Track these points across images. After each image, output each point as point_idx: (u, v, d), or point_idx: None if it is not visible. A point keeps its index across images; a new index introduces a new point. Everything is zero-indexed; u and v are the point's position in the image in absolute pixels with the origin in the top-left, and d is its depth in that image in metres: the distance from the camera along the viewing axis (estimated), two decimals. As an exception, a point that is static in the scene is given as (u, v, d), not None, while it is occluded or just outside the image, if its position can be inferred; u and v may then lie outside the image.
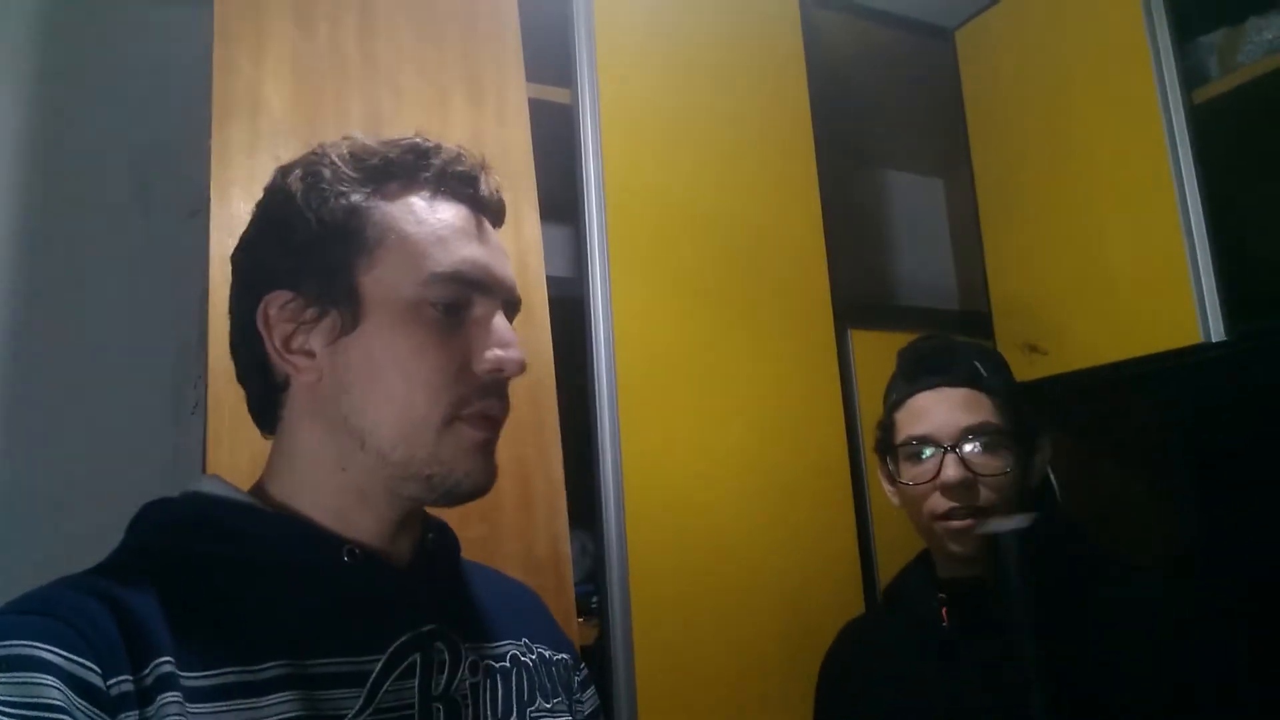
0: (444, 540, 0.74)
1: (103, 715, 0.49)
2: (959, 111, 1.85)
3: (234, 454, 0.98)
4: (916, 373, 1.11)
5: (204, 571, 0.60)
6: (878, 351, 1.56)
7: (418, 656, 0.62)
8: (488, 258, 0.66)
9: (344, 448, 0.64)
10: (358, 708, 0.58)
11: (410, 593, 0.66)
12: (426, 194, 0.66)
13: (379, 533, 0.66)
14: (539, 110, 1.32)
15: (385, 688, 0.60)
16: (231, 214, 1.05)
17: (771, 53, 1.59)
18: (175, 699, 0.52)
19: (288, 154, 1.12)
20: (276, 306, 0.65)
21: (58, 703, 0.48)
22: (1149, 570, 1.10)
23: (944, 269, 2.13)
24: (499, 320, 0.66)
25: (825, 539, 1.41)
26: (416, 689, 0.61)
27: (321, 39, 1.18)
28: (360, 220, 0.64)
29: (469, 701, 0.64)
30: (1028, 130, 1.72)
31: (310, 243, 0.64)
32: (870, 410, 1.50)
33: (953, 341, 1.16)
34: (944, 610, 1.04)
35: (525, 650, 0.72)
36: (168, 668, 0.53)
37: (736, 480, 1.36)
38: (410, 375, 0.62)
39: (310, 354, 0.65)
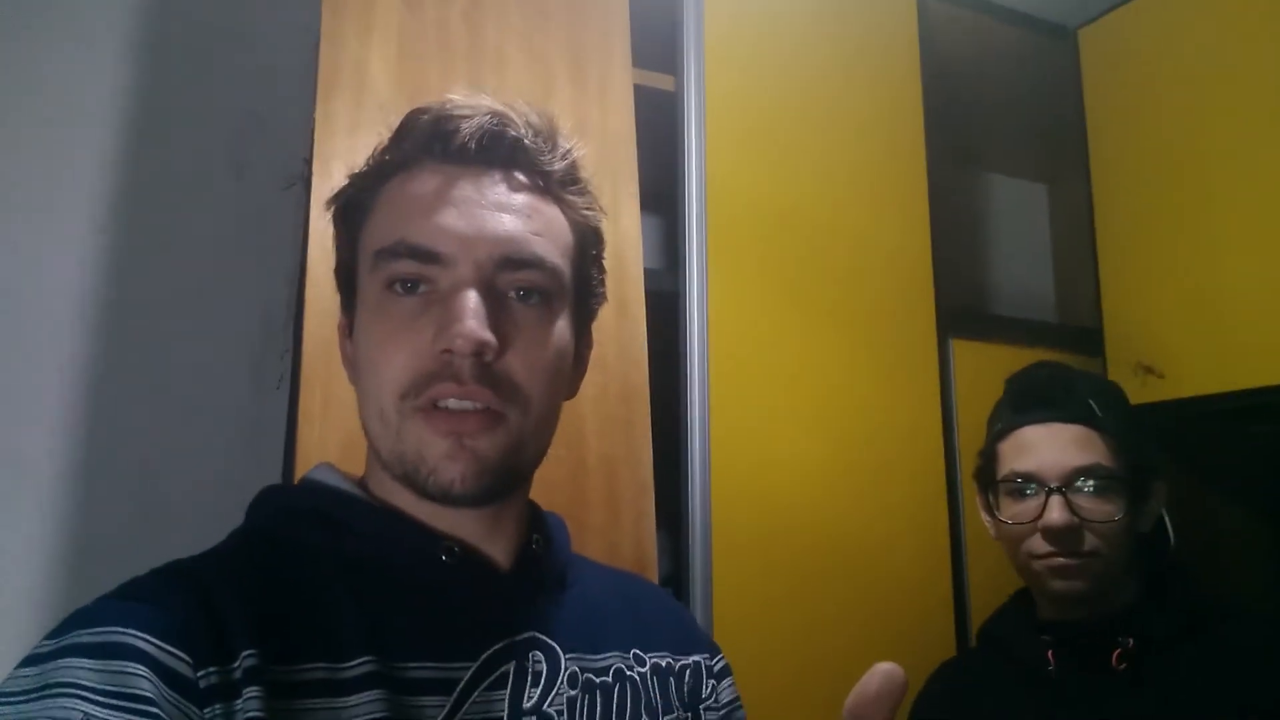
0: (552, 540, 0.69)
1: (191, 706, 0.48)
2: (1077, 115, 1.75)
3: (324, 434, 0.96)
4: (1026, 403, 1.04)
5: (304, 561, 0.58)
6: (978, 362, 1.49)
7: (511, 666, 0.59)
8: (455, 220, 0.58)
9: (371, 450, 0.62)
10: (443, 716, 0.55)
11: (509, 597, 0.62)
12: (420, 167, 0.61)
13: (470, 532, 0.62)
14: (642, 96, 1.28)
15: (473, 698, 0.56)
16: (332, 189, 1.02)
17: (885, 47, 1.52)
18: (259, 693, 0.50)
19: (390, 131, 1.11)
20: (338, 320, 0.67)
21: (147, 693, 0.46)
22: (1259, 616, 1.02)
23: (1046, 280, 2.03)
24: (464, 293, 0.57)
25: (918, 554, 1.35)
26: (507, 701, 0.57)
27: (429, 16, 1.15)
28: (357, 215, 0.63)
29: (564, 718, 0.60)
30: (1152, 138, 1.62)
31: (336, 249, 0.65)
32: (968, 423, 1.44)
33: (1068, 372, 1.08)
34: (1049, 653, 0.97)
35: (635, 662, 0.67)
36: (253, 660, 0.51)
37: (827, 489, 1.31)
38: (377, 366, 0.59)
39: (347, 362, 0.65)
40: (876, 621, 1.29)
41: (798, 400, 1.32)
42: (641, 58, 1.30)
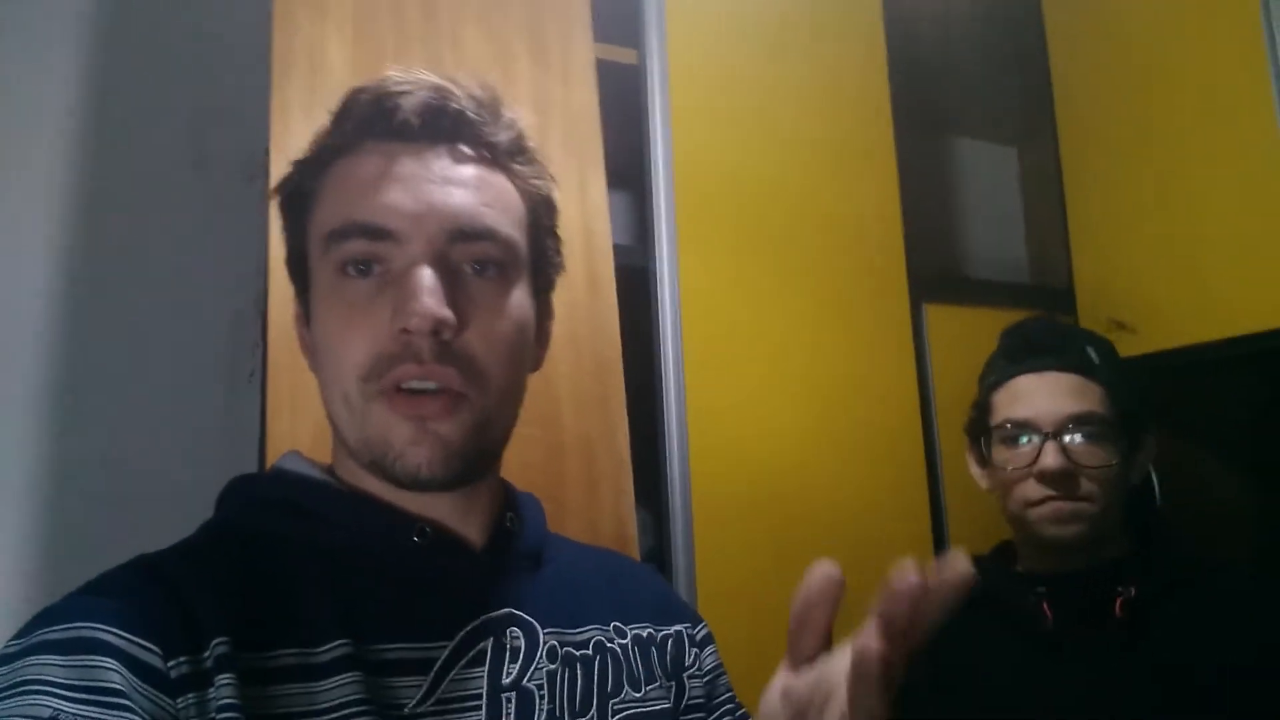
0: (526, 518, 0.69)
1: (163, 697, 0.48)
2: (1042, 74, 1.75)
3: (294, 425, 0.95)
4: (1022, 353, 1.05)
5: (276, 550, 0.58)
6: (952, 327, 1.50)
7: (489, 643, 0.58)
8: (402, 197, 0.57)
9: (337, 437, 0.62)
10: (419, 696, 0.55)
11: (484, 576, 0.62)
12: (362, 147, 0.60)
13: (443, 513, 0.62)
14: (605, 71, 1.26)
15: (450, 676, 0.56)
16: (290, 177, 1.01)
17: (849, 12, 1.51)
18: (231, 680, 0.50)
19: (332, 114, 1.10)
20: (294, 310, 0.66)
21: (117, 686, 0.46)
22: (1240, 567, 1.03)
23: (1017, 242, 2.04)
24: (417, 270, 0.56)
25: (897, 519, 1.36)
26: (485, 678, 0.57)
27: (383, -6, 1.13)
28: (303, 201, 0.62)
29: (544, 691, 0.59)
30: (1117, 93, 1.62)
31: (285, 237, 0.65)
32: (944, 387, 1.44)
33: (1062, 324, 1.10)
34: (1045, 605, 0.98)
35: (616, 634, 0.67)
36: (225, 648, 0.50)
37: (805, 458, 1.31)
38: (336, 351, 0.58)
39: (306, 349, 0.65)
40: (858, 589, 1.29)
41: (773, 371, 1.32)
42: (603, 32, 1.28)
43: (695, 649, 0.72)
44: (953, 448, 1.42)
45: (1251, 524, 1.69)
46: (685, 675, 0.70)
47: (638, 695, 0.65)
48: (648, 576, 0.78)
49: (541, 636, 0.61)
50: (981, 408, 1.08)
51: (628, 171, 1.32)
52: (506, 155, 0.63)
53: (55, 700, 0.44)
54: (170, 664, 0.49)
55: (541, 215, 0.66)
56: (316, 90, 1.06)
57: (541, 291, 0.67)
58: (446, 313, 0.55)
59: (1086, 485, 0.97)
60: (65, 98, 1.28)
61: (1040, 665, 0.96)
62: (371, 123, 0.60)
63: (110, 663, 0.47)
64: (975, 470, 1.11)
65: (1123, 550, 1.01)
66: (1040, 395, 1.01)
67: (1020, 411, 1.01)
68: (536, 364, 0.67)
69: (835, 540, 1.30)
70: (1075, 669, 0.93)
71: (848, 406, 1.35)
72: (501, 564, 0.64)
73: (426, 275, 0.56)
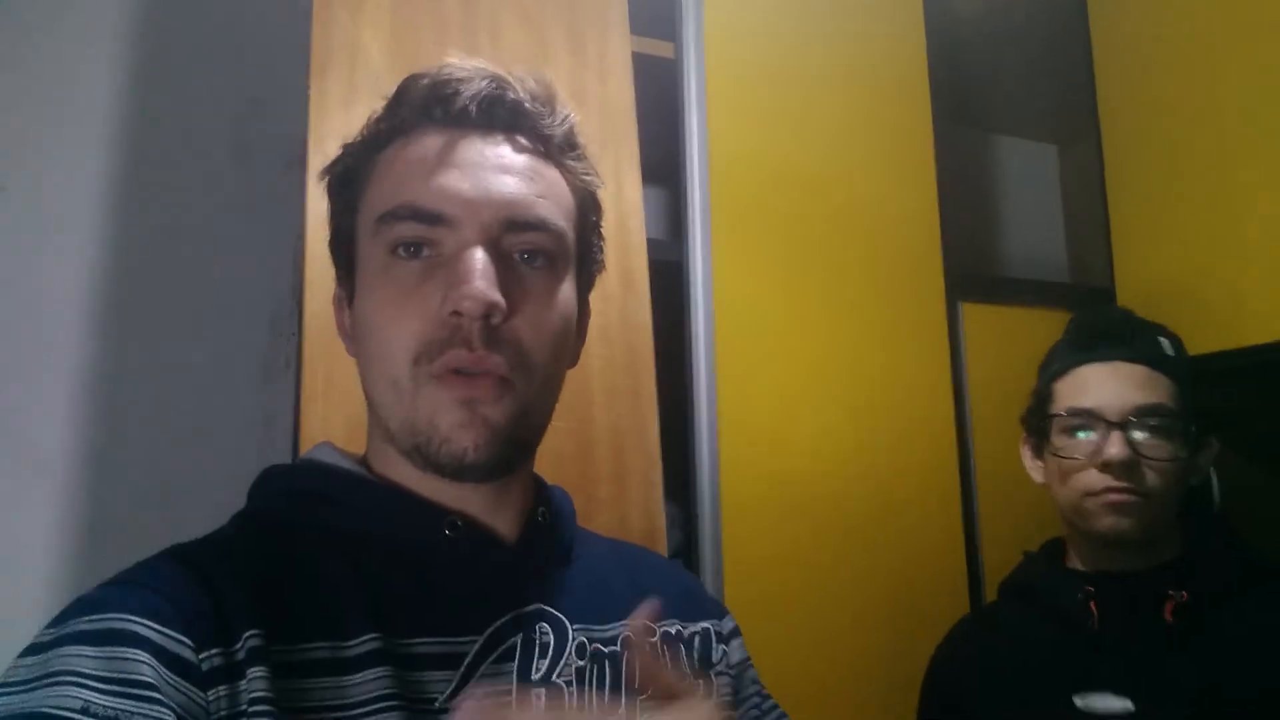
0: (556, 513, 0.68)
1: (194, 690, 0.48)
2: (1086, 74, 1.72)
3: (328, 415, 0.95)
4: (1091, 342, 1.02)
5: (307, 542, 0.58)
6: (989, 325, 1.48)
7: (518, 638, 0.58)
8: (458, 182, 0.57)
9: (376, 421, 0.61)
10: (450, 690, 0.54)
11: (515, 570, 0.62)
12: (419, 132, 0.60)
13: (476, 506, 0.61)
14: (641, 65, 1.26)
15: (481, 671, 0.56)
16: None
17: (889, 7, 1.49)
18: (263, 674, 0.49)
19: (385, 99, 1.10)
20: (334, 291, 0.66)
21: (148, 679, 0.46)
22: None
23: (1056, 241, 2.00)
24: (470, 253, 0.56)
25: (930, 521, 1.34)
26: (515, 673, 0.57)
27: (421, -14, 1.13)
28: (354, 184, 0.62)
29: (573, 688, 0.59)
30: (1164, 94, 1.58)
31: (330, 220, 0.65)
32: (979, 386, 1.43)
33: (1132, 315, 1.07)
34: (1092, 605, 0.96)
35: (643, 631, 0.67)
36: (257, 641, 0.50)
37: (836, 456, 1.30)
38: (384, 332, 0.58)
39: (345, 332, 0.64)
40: (889, 589, 1.28)
41: (805, 367, 1.31)
42: (640, 25, 1.28)
43: (722, 644, 0.72)
44: (987, 447, 1.40)
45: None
46: (713, 672, 0.69)
47: None
48: (675, 572, 0.78)
49: (571, 632, 0.61)
50: (1042, 396, 1.05)
51: (663, 166, 1.31)
52: (559, 149, 0.63)
53: (86, 692, 0.44)
54: (202, 656, 0.49)
55: (589, 211, 0.66)
56: (355, 82, 1.07)
57: (584, 288, 0.67)
58: (498, 297, 0.55)
59: (1150, 478, 0.95)
60: (107, 88, 1.30)
61: (1082, 664, 0.94)
62: (429, 108, 0.60)
63: (142, 655, 0.47)
64: (1029, 462, 1.08)
65: (1176, 552, 0.99)
66: (1108, 385, 0.98)
67: (1086, 400, 0.99)
68: (574, 359, 0.67)
69: (865, 540, 1.29)
70: (1118, 671, 0.91)
71: (881, 404, 1.34)
72: (532, 558, 0.63)
73: (480, 258, 0.56)
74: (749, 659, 0.73)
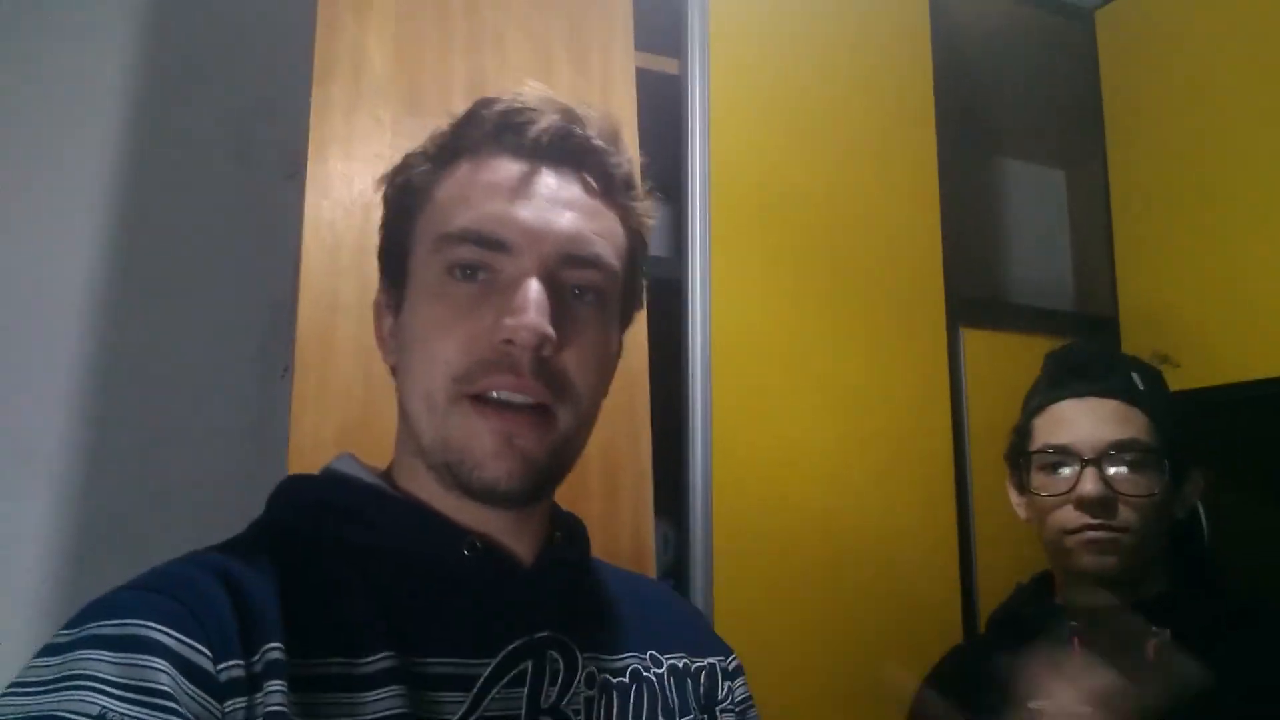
0: (573, 539, 0.68)
1: (210, 701, 0.47)
2: (1093, 99, 1.71)
3: (319, 421, 0.95)
4: (1065, 378, 1.02)
5: (325, 555, 0.58)
6: (990, 352, 1.47)
7: (529, 664, 0.58)
8: (522, 212, 0.58)
9: (409, 434, 0.61)
10: (462, 712, 0.54)
11: (530, 595, 0.61)
12: (488, 156, 0.61)
13: (497, 528, 0.61)
14: (644, 80, 1.26)
15: (492, 694, 0.56)
16: (328, 174, 1.02)
17: (895, 27, 1.49)
18: (280, 688, 0.49)
19: (387, 115, 1.10)
20: (375, 297, 0.66)
21: (165, 688, 0.46)
22: None
23: (1062, 268, 1.99)
24: (527, 283, 0.57)
25: (925, 546, 1.33)
26: (525, 699, 0.57)
27: (427, -3, 1.13)
28: (415, 197, 0.63)
29: (581, 717, 0.59)
30: (1171, 121, 1.58)
31: (384, 228, 0.65)
32: (979, 413, 1.41)
33: (1108, 350, 1.07)
34: (1075, 640, 0.95)
35: (651, 663, 0.67)
36: (276, 654, 0.50)
37: (832, 480, 1.29)
38: (427, 349, 0.58)
39: (384, 341, 0.65)
40: (882, 616, 1.27)
41: (802, 390, 1.29)
42: (645, 40, 1.28)
43: (727, 681, 0.72)
44: (985, 478, 1.39)
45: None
46: (718, 708, 0.70)
47: None
48: (683, 606, 0.79)
49: (581, 661, 0.61)
50: (1022, 433, 1.05)
51: (664, 183, 1.30)
52: (620, 189, 0.64)
53: (104, 698, 0.44)
54: (220, 667, 0.48)
55: (639, 252, 0.67)
56: (358, 89, 1.07)
57: (623, 326, 0.68)
58: (550, 330, 0.56)
59: (1125, 514, 0.95)
60: (111, 90, 1.30)
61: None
62: (500, 134, 0.61)
63: (160, 663, 0.46)
64: (1014, 498, 1.08)
65: (1162, 588, 0.98)
66: (1081, 421, 0.98)
67: (1060, 437, 0.99)
68: (607, 392, 0.68)
69: (859, 566, 1.28)
70: None
71: (878, 429, 1.33)
72: (547, 584, 0.63)
73: (535, 289, 0.57)
74: (751, 698, 0.74)
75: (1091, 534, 0.95)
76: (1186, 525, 1.02)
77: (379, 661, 0.53)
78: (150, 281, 1.28)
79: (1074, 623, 0.96)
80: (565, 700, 0.58)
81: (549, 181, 0.60)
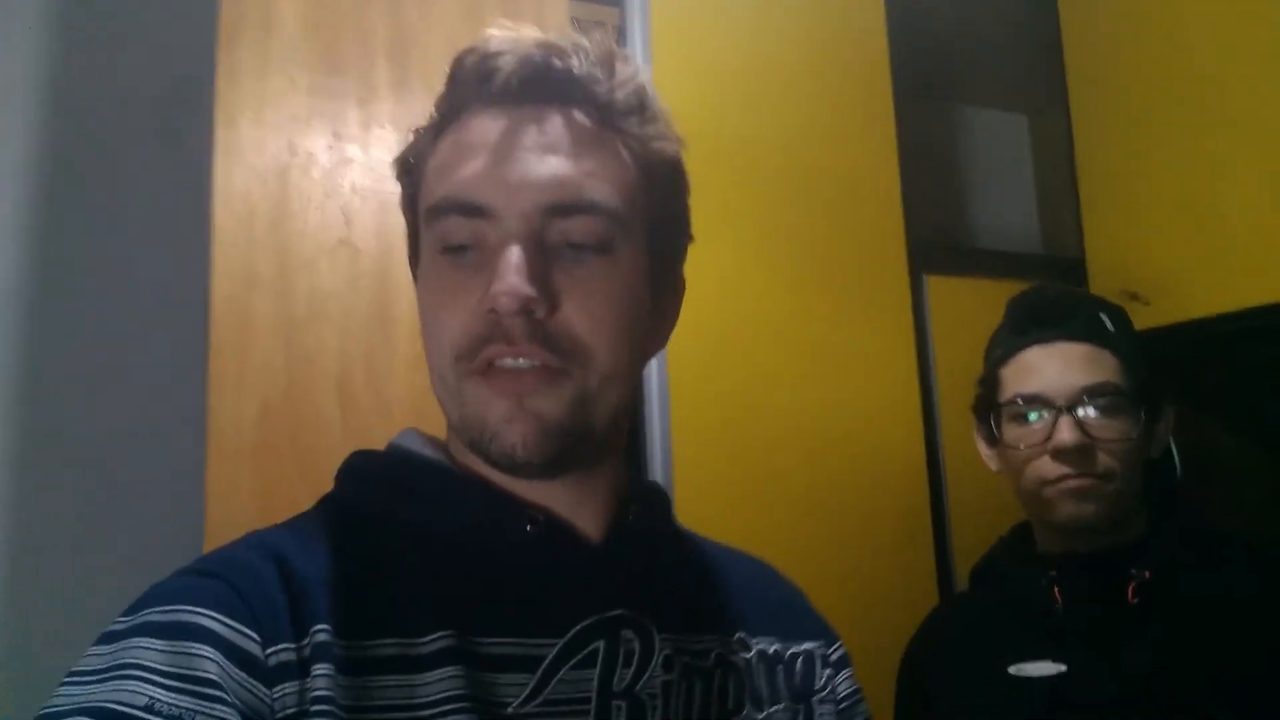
0: (651, 511, 0.63)
1: (259, 687, 0.46)
2: (1054, 39, 1.67)
3: (239, 404, 0.89)
4: (1029, 324, 0.98)
5: (384, 532, 0.55)
6: (955, 299, 1.44)
7: (601, 644, 0.54)
8: (499, 169, 0.54)
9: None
10: (524, 695, 0.51)
11: (600, 571, 0.57)
12: (468, 116, 0.56)
13: (559, 502, 0.57)
14: (581, 30, 1.20)
15: (559, 677, 0.52)
16: (239, 140, 0.95)
17: (842, -33, 1.43)
18: (327, 671, 0.47)
19: (303, 77, 1.04)
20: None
21: (212, 676, 0.45)
22: (1264, 551, 0.96)
23: (1026, 211, 1.96)
24: (508, 249, 0.53)
25: (895, 499, 1.29)
26: (595, 681, 0.53)
27: (341, -51, 1.07)
28: (413, 174, 0.60)
29: (657, 702, 0.54)
30: (1134, 58, 1.54)
31: (402, 208, 0.62)
32: (946, 362, 1.38)
33: (1071, 291, 1.03)
34: (1055, 589, 0.91)
35: (738, 647, 0.61)
36: (324, 636, 0.48)
37: (796, 434, 1.25)
38: (432, 330, 0.56)
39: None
40: (852, 571, 1.23)
41: (762, 340, 1.25)
42: (580, -11, 1.22)
43: (829, 670, 0.66)
44: (955, 428, 1.36)
45: (1273, 501, 1.61)
46: (815, 699, 0.64)
47: (760, 716, 0.60)
48: (782, 587, 0.72)
49: (658, 642, 0.56)
50: (989, 384, 1.01)
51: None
52: (621, 115, 0.57)
53: (152, 688, 0.44)
54: (269, 651, 0.47)
55: (661, 179, 0.60)
56: (268, 50, 1.00)
57: (663, 264, 0.61)
58: (530, 291, 0.51)
59: (1105, 460, 0.91)
60: (25, 72, 1.23)
61: (1045, 650, 0.89)
62: (474, 88, 0.56)
63: (208, 650, 0.46)
64: (984, 451, 1.04)
65: (1141, 531, 0.95)
66: (1051, 367, 0.94)
67: (1030, 385, 0.95)
68: (658, 342, 0.63)
69: (827, 520, 1.24)
70: (1080, 655, 0.87)
71: (842, 380, 1.29)
72: (619, 560, 0.58)
73: (514, 254, 0.52)
74: (860, 693, 0.67)
75: (1071, 483, 0.91)
76: (1159, 462, 0.99)
77: (436, 641, 0.50)
78: (81, 273, 1.22)
79: (1053, 572, 0.92)
80: (640, 684, 0.54)
81: (527, 128, 0.55)
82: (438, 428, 0.61)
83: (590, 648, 0.54)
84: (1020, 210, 1.93)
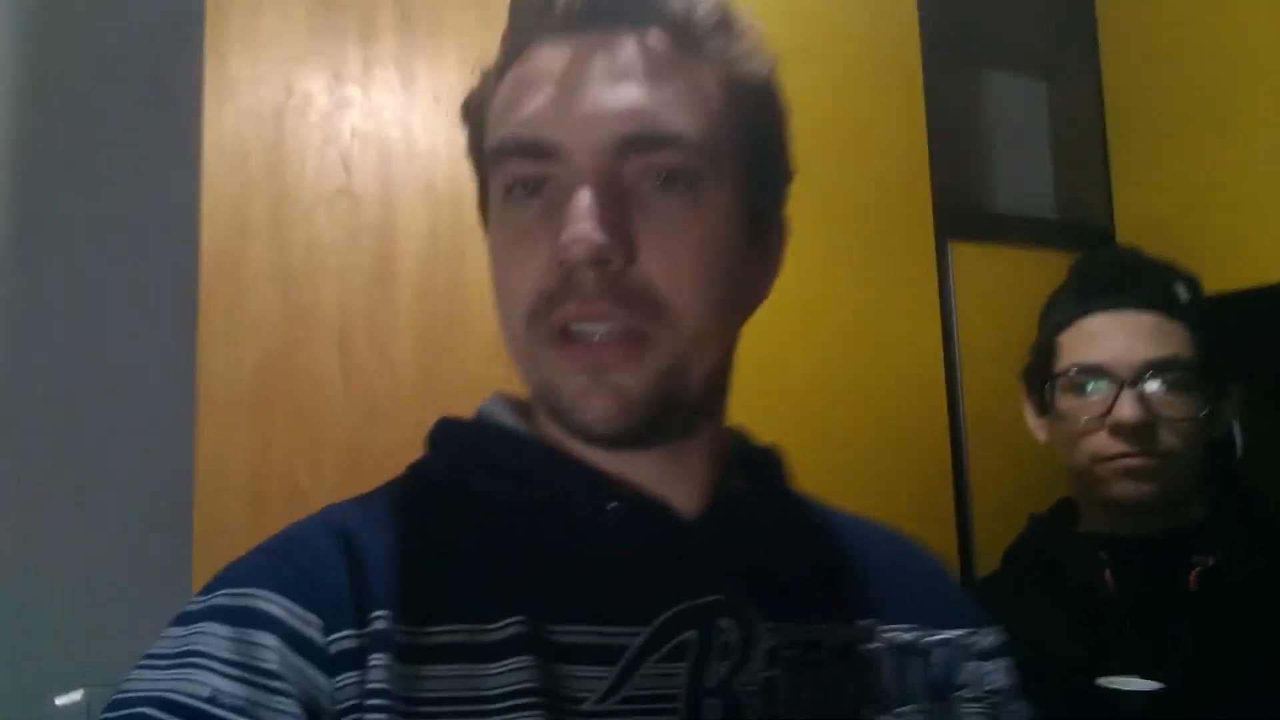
0: (758, 478, 0.56)
1: (319, 674, 0.43)
2: (1085, 7, 1.61)
3: (232, 358, 0.84)
4: (1095, 289, 0.91)
5: (459, 507, 0.51)
6: (980, 266, 1.39)
7: (693, 634, 0.48)
8: (565, 103, 0.47)
9: None
10: (604, 690, 0.45)
11: (694, 552, 0.51)
12: (531, 50, 0.51)
13: (647, 473, 0.51)
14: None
15: (642, 670, 0.46)
16: (231, 78, 0.89)
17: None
18: (383, 661, 0.44)
19: (300, 12, 0.97)
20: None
21: (272, 666, 0.43)
22: None
23: (1044, 179, 1.91)
24: (578, 191, 0.46)
25: (916, 477, 1.24)
26: (685, 676, 0.47)
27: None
28: (477, 116, 0.54)
29: (758, 701, 0.48)
30: (1165, 25, 1.48)
31: (469, 152, 0.57)
32: (969, 330, 1.34)
33: (1141, 255, 0.96)
34: (1106, 572, 0.86)
35: (862, 636, 0.53)
36: (382, 623, 0.45)
37: (817, 402, 1.19)
38: (500, 284, 0.51)
39: None
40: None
41: (785, 307, 1.19)
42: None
43: (974, 661, 0.57)
44: (978, 391, 1.31)
45: None
46: (957, 696, 0.56)
47: (884, 718, 0.52)
48: (922, 562, 0.62)
49: (762, 632, 0.49)
50: (1044, 350, 0.94)
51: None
52: (702, 35, 0.50)
53: (217, 678, 0.42)
54: (331, 639, 0.44)
55: (753, 105, 0.53)
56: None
57: (760, 203, 0.54)
58: (603, 238, 0.45)
59: (1166, 439, 0.85)
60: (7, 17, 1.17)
61: (1098, 639, 0.84)
62: (535, 17, 0.50)
63: (270, 639, 0.44)
64: (1032, 420, 0.98)
65: (1199, 513, 0.90)
66: (1115, 337, 0.87)
67: (1092, 356, 0.88)
68: (758, 295, 0.56)
69: (847, 500, 1.19)
70: (1137, 645, 0.82)
71: (862, 349, 1.24)
72: (718, 536, 0.52)
73: (584, 197, 0.46)
74: (1018, 690, 0.58)
75: (1129, 461, 0.85)
76: (1220, 442, 0.93)
77: (507, 628, 0.46)
78: (64, 223, 1.16)
79: (1104, 554, 0.87)
80: (738, 680, 0.48)
81: (595, 56, 0.48)
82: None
83: (680, 638, 0.47)
84: (1043, 177, 1.87)
